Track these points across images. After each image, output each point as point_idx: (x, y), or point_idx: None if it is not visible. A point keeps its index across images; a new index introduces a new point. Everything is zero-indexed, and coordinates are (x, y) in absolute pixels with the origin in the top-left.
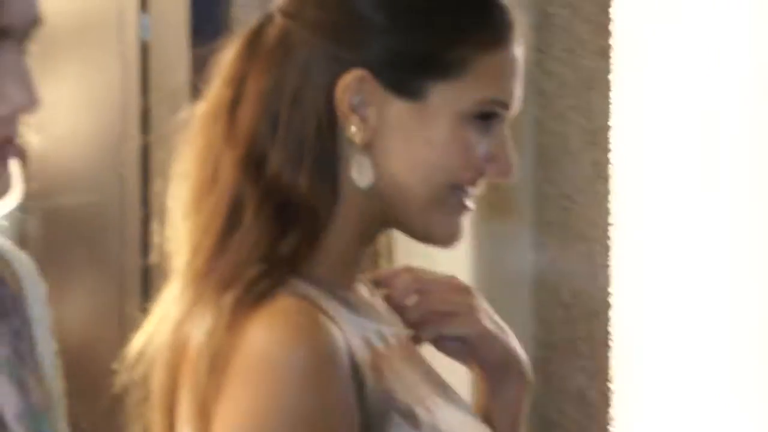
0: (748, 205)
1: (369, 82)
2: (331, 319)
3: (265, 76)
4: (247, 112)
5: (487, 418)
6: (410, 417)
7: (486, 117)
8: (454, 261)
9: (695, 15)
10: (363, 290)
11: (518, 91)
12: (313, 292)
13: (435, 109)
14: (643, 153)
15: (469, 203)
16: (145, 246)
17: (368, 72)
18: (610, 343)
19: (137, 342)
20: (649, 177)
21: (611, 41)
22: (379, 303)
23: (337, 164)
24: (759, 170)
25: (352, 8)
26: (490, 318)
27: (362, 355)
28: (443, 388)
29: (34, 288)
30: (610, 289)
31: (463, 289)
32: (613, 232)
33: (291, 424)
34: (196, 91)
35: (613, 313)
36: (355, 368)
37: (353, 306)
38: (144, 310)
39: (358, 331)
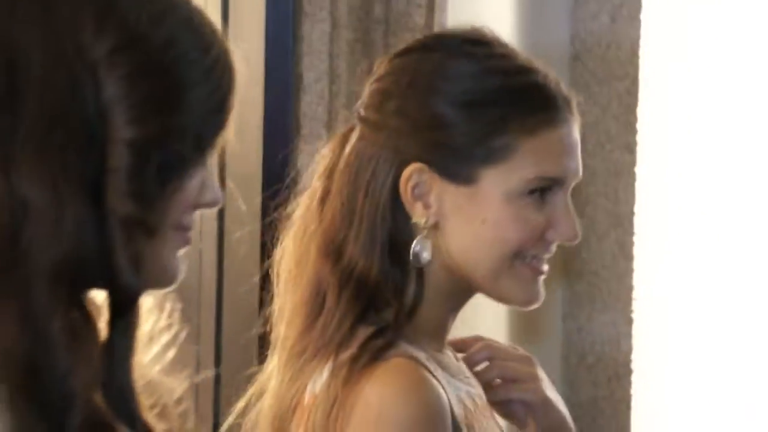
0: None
1: (426, 173)
2: (436, 379)
3: (346, 172)
4: (331, 204)
5: None
6: None
7: (540, 191)
8: (494, 321)
9: (712, 115)
10: (451, 354)
11: (572, 162)
12: (418, 354)
13: (486, 192)
14: (664, 236)
15: (541, 267)
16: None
17: (425, 164)
18: (631, 403)
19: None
20: (668, 256)
21: (637, 137)
22: (463, 366)
23: (407, 247)
24: None
25: (405, 112)
26: (550, 387)
27: (459, 412)
28: None
29: None
30: (631, 355)
31: (528, 360)
32: (634, 304)
33: None
34: (267, 235)
35: (633, 377)
36: (455, 424)
37: (448, 368)
38: None
39: (454, 390)
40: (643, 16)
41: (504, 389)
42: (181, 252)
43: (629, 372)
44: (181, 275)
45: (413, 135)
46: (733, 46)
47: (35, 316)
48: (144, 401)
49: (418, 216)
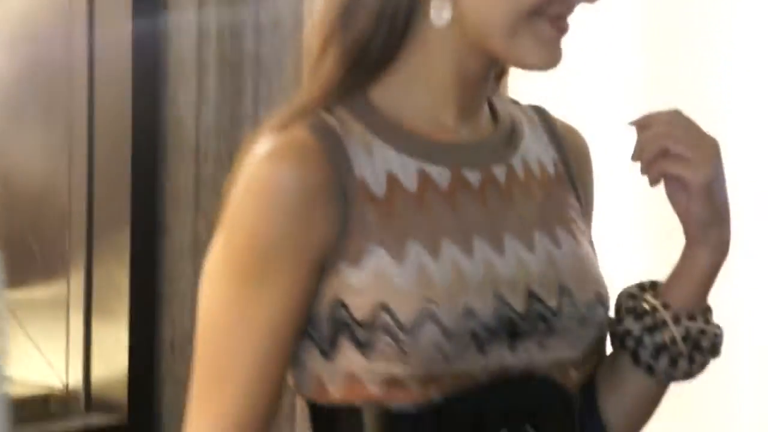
0: None
1: None
2: (340, 150)
3: None
4: None
5: (673, 275)
6: (395, 250)
7: None
8: None
9: None
10: (484, 125)
11: None
12: (349, 124)
13: None
14: None
15: (565, 26)
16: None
17: None
18: None
19: None
20: None
21: None
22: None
23: (412, 9)
24: None
25: None
26: (721, 177)
27: (376, 188)
28: (526, 233)
29: None
30: None
31: (706, 144)
32: None
33: (238, 250)
34: None
35: None
36: (346, 197)
37: (404, 143)
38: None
39: (386, 166)
40: None
41: (663, 162)
42: None
43: None
44: None
45: None
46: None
47: None
48: None
49: None
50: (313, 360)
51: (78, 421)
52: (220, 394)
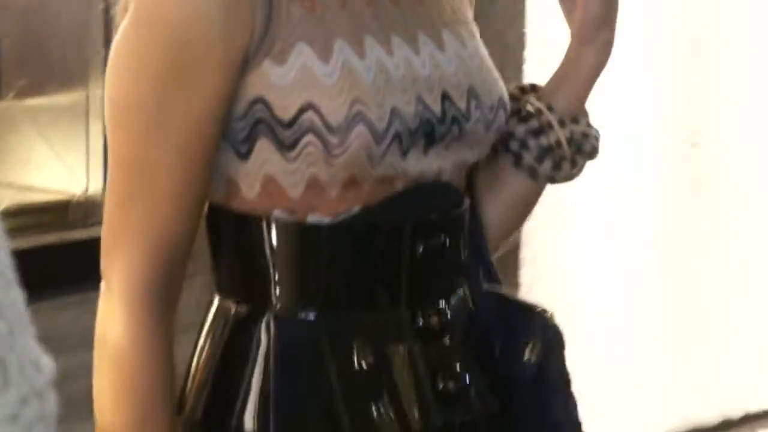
0: None
1: None
2: None
3: None
4: None
5: (556, 78)
6: (322, 49)
7: None
8: None
9: None
10: None
11: None
12: None
13: None
14: None
15: None
16: None
17: None
18: None
19: None
20: None
21: None
22: None
23: None
24: None
25: None
26: None
27: None
28: (437, 33)
29: None
30: None
31: None
32: None
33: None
34: None
35: None
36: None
37: None
38: None
39: None
40: None
41: None
42: None
43: None
44: None
45: None
46: None
47: None
48: None
49: None
50: (227, 161)
51: (97, 231)
52: (142, 206)
